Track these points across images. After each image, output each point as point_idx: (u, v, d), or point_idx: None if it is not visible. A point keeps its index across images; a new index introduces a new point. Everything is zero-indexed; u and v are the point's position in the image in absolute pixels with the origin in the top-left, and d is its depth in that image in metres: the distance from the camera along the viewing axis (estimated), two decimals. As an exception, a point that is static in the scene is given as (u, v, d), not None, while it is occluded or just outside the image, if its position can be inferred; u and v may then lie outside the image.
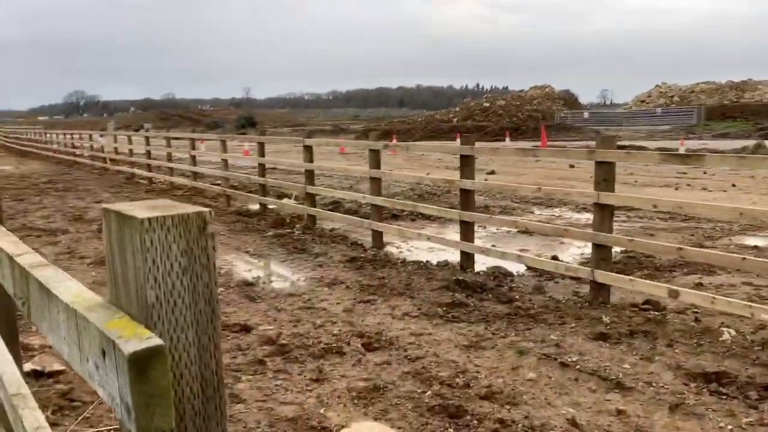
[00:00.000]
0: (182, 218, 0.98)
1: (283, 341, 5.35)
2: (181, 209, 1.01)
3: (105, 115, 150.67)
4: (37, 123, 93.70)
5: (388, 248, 9.56)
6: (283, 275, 8.04)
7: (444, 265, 8.33)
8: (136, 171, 20.80)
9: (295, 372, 4.77)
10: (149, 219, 0.95)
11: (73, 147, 29.62)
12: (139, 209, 1.00)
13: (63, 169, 26.47)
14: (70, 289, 1.10)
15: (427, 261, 8.57)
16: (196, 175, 16.66)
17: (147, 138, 20.24)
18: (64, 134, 33.85)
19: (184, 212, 0.99)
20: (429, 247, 9.33)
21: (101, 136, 26.96)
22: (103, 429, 3.88)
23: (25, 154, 37.18)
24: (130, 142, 21.78)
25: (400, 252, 9.39)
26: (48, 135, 37.09)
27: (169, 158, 18.30)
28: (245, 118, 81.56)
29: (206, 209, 1.08)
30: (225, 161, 14.84)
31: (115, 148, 24.28)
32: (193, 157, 16.60)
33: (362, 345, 5.32)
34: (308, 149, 11.35)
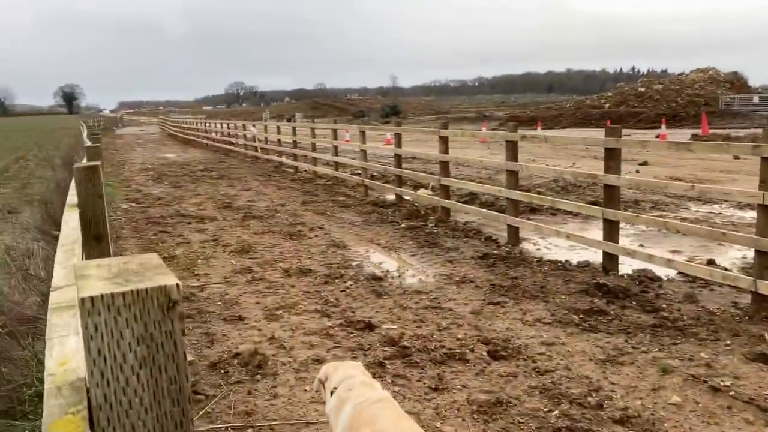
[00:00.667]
0: (138, 295, 0.79)
1: (405, 343, 5.20)
2: (139, 283, 0.81)
3: (262, 104, 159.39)
4: (201, 113, 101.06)
5: (524, 245, 9.13)
6: (412, 270, 7.91)
7: (584, 266, 7.79)
8: (284, 160, 21.65)
9: (414, 378, 4.60)
10: (92, 298, 0.76)
11: (229, 136, 31.49)
12: (97, 279, 0.82)
13: (219, 157, 28.20)
14: (63, 350, 0.95)
15: (565, 261, 8.06)
16: (338, 165, 16.99)
17: (293, 128, 20.97)
18: (221, 124, 36.10)
19: (142, 287, 0.79)
20: (569, 245, 8.79)
21: (253, 126, 28.37)
22: (221, 426, 3.93)
23: (188, 143, 40.10)
24: (278, 132, 22.70)
25: (537, 249, 8.93)
26: (208, 124, 39.76)
27: (313, 148, 18.83)
28: (389, 106, 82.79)
29: (174, 282, 0.84)
30: (363, 152, 14.98)
31: (266, 138, 25.46)
32: (335, 147, 16.93)
33: (487, 352, 5.04)
34: (443, 140, 11.12)
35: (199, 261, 8.51)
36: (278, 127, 22.90)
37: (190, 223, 11.45)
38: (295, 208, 13.05)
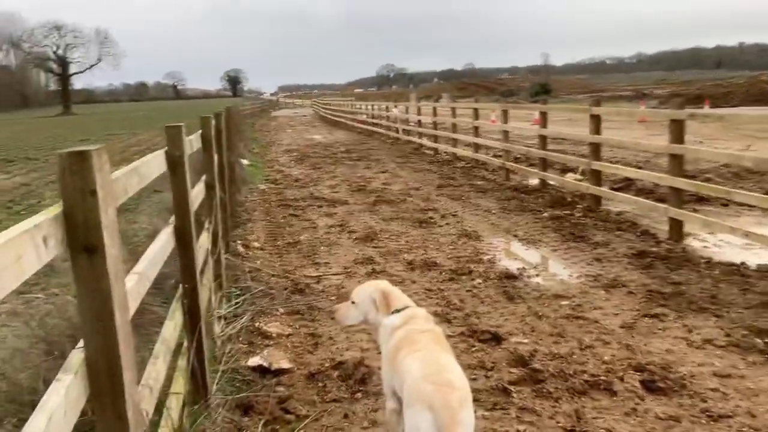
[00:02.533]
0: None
1: (537, 364, 4.31)
2: None
3: (411, 86, 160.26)
4: (351, 95, 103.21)
5: (689, 241, 7.78)
6: (553, 269, 6.93)
7: (766, 270, 6.39)
8: (424, 141, 21.03)
9: (546, 413, 3.72)
10: None
11: (373, 117, 31.43)
12: None
13: (362, 138, 28.17)
14: None
15: (741, 263, 6.69)
16: (477, 147, 16.06)
17: (434, 109, 20.25)
18: (367, 105, 36.20)
19: None
20: (744, 243, 7.33)
21: (395, 107, 28.01)
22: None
23: (336, 124, 40.73)
24: (419, 112, 22.08)
25: (705, 247, 7.57)
26: (355, 106, 40.14)
27: (454, 129, 18.00)
28: (540, 85, 79.57)
29: None
30: (505, 132, 13.94)
31: (407, 119, 24.96)
32: (476, 128, 16.01)
33: (641, 383, 4.04)
34: (595, 119, 9.88)
35: (322, 248, 8.05)
36: (419, 108, 22.28)
37: (320, 207, 11.13)
38: (429, 192, 12.35)
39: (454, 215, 9.98)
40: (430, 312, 5.37)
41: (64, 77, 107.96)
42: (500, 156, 14.52)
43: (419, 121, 21.98)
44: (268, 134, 34.06)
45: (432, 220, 9.59)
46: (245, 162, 17.25)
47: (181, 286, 3.76)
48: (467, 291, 6.13)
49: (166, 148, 3.74)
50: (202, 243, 4.72)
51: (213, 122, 6.82)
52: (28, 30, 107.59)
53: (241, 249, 7.72)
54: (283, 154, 21.80)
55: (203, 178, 6.03)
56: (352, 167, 17.34)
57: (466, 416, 2.55)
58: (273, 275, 6.81)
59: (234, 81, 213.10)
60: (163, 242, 3.34)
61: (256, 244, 8.13)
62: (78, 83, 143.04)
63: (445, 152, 19.06)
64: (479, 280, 6.44)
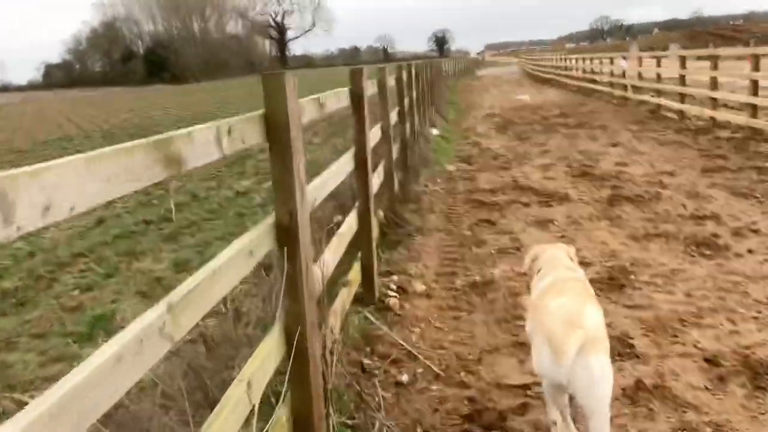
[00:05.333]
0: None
1: None
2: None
3: (627, 39, 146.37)
4: (562, 50, 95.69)
5: None
6: None
7: None
8: (663, 101, 16.33)
9: None
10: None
11: (592, 73, 26.64)
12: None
13: (579, 98, 23.71)
14: None
15: None
16: (756, 109, 11.32)
17: (683, 59, 15.41)
18: (584, 59, 31.23)
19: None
20: None
21: (624, 59, 23.08)
22: None
23: (546, 82, 36.16)
24: (658, 64, 17.29)
25: None
26: (568, 61, 35.18)
27: (714, 86, 13.24)
28: (797, 29, 66.37)
29: None
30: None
31: (639, 73, 20.09)
32: (755, 83, 11.27)
33: None
34: None
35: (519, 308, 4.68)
36: (658, 60, 17.46)
37: (528, 205, 7.63)
38: (692, 182, 8.29)
39: (754, 230, 5.99)
40: None
41: (282, 43, 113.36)
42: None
43: (658, 75, 17.18)
44: (470, 95, 30.64)
45: (718, 240, 5.71)
46: (435, 132, 14.13)
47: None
48: None
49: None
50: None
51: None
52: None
53: (392, 299, 4.59)
54: (482, 121, 18.32)
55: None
56: (570, 137, 13.46)
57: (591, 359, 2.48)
58: (433, 383, 3.57)
59: (441, 41, 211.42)
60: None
61: (419, 287, 4.93)
62: (298, 49, 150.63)
63: (696, 116, 14.35)
64: None
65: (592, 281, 4.86)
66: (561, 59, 38.23)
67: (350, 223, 4.29)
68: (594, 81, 25.47)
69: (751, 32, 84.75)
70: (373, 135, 5.63)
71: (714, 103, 13.20)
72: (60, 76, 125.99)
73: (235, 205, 8.63)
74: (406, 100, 9.14)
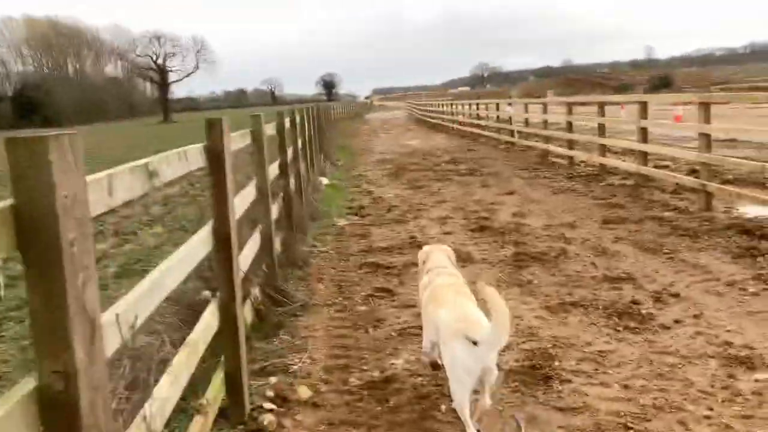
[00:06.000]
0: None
1: None
2: None
3: (506, 85, 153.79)
4: (446, 95, 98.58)
5: None
6: None
7: None
8: (551, 148, 16.35)
9: None
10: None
11: (478, 118, 26.87)
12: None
13: (467, 143, 23.71)
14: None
15: None
16: (645, 157, 11.26)
17: (569, 105, 15.48)
18: (470, 105, 31.65)
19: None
20: None
21: (509, 105, 23.35)
22: None
23: (433, 127, 36.42)
24: (545, 111, 17.37)
25: None
26: (454, 106, 35.63)
27: (601, 131, 13.23)
28: (659, 78, 72.16)
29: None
30: (706, 136, 9.12)
31: (526, 119, 20.26)
32: (643, 130, 11.22)
33: None
34: None
35: (440, 408, 3.76)
36: (545, 105, 17.58)
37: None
38: (596, 235, 7.83)
39: (673, 294, 5.43)
40: None
41: (164, 86, 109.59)
42: (695, 171, 9.74)
43: (545, 121, 17.26)
44: (359, 139, 30.17)
45: (640, 309, 5.09)
46: (325, 181, 13.24)
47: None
48: None
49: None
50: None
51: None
52: (131, 41, 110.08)
53: (267, 416, 3.53)
54: (374, 167, 17.67)
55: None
56: (463, 185, 12.98)
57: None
58: None
59: (329, 85, 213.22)
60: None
61: (303, 392, 3.89)
62: (181, 92, 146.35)
63: (584, 163, 14.36)
64: None
65: (511, 371, 4.06)
66: (447, 104, 38.73)
67: (207, 322, 3.23)
68: (480, 126, 25.65)
69: (619, 80, 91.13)
70: (243, 198, 4.61)
71: (603, 149, 13.19)
72: None
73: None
74: (290, 150, 8.19)
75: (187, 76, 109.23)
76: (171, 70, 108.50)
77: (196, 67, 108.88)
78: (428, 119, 41.09)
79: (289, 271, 6.57)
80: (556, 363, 4.18)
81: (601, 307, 5.23)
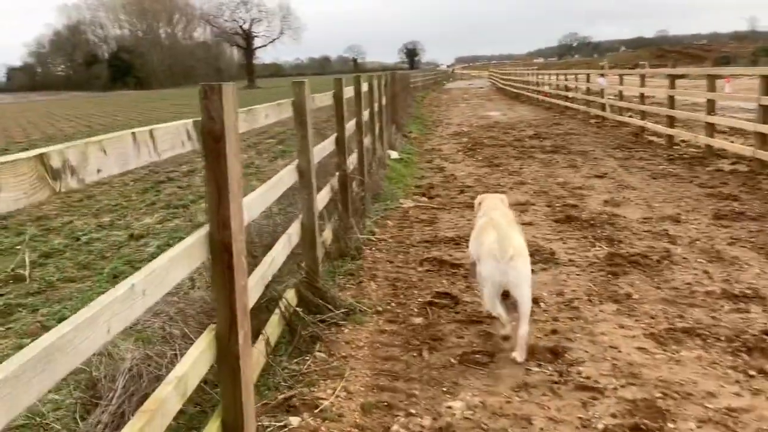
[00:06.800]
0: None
1: None
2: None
3: (595, 55, 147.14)
4: (532, 65, 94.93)
5: None
6: None
7: None
8: (649, 124, 14.74)
9: None
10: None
11: (566, 90, 25.10)
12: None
13: (553, 116, 22.10)
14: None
15: None
16: (766, 139, 9.67)
17: (673, 78, 13.78)
18: (557, 75, 29.76)
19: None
20: None
21: (602, 76, 21.54)
22: None
23: (517, 98, 34.67)
24: (642, 84, 15.69)
25: None
26: (540, 76, 33.70)
27: (710, 109, 11.61)
28: (764, 50, 66.54)
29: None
30: None
31: (620, 92, 18.52)
32: (764, 108, 9.61)
33: None
34: None
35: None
36: (642, 77, 15.87)
37: (501, 267, 5.78)
38: (706, 233, 6.54)
39: (821, 326, 4.20)
40: None
41: (249, 51, 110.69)
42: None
43: (642, 95, 15.59)
44: (437, 110, 28.90)
45: (779, 348, 3.90)
46: (394, 155, 12.26)
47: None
48: None
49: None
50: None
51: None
52: (219, 5, 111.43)
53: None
54: (449, 140, 16.53)
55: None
56: (546, 164, 11.73)
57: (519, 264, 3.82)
58: None
59: (411, 53, 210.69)
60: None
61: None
62: (267, 58, 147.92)
63: (686, 142, 12.77)
64: None
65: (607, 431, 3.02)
66: (533, 74, 36.74)
67: (192, 356, 2.35)
68: (568, 98, 23.94)
69: (720, 51, 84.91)
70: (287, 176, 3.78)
71: (711, 128, 11.59)
72: (23, 80, 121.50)
73: (120, 255, 6.57)
74: (350, 124, 7.25)
75: (272, 42, 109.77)
76: (257, 36, 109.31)
77: (281, 33, 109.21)
78: (511, 89, 39.26)
79: (339, 263, 5.68)
80: (670, 425, 3.10)
81: (723, 337, 4.07)
